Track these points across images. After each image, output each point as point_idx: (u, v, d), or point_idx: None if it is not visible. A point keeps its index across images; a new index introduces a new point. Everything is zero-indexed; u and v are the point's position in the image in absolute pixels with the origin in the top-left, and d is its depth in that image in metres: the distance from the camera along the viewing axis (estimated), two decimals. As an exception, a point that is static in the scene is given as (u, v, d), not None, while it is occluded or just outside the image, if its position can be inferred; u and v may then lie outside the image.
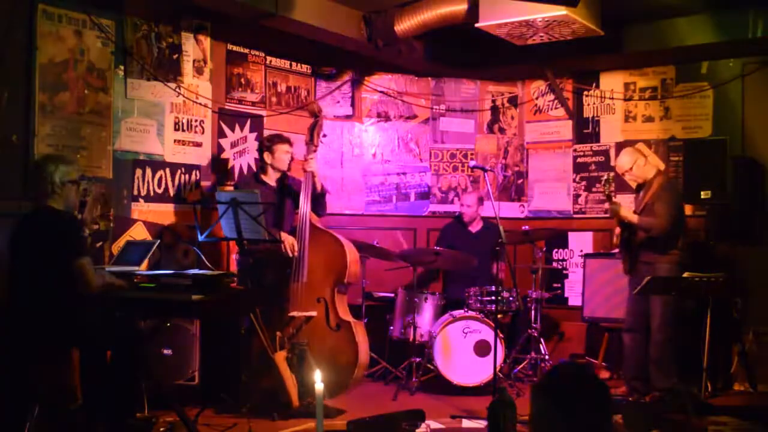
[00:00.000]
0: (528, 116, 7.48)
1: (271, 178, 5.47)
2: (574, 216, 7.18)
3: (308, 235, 5.21)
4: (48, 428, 3.93)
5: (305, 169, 5.34)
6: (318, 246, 5.25)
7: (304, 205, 5.25)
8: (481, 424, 4.64)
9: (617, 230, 5.58)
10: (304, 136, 5.56)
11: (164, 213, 5.61)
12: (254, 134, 6.23)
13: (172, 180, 5.67)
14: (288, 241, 5.19)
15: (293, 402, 4.83)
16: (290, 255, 5.17)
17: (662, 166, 6.59)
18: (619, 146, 6.88)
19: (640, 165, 5.52)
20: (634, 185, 5.74)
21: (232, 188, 5.78)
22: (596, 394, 2.08)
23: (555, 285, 7.06)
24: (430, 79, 7.30)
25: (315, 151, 5.39)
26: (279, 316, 5.12)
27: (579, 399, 2.06)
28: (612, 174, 6.46)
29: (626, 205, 5.65)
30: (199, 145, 5.86)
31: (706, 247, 6.17)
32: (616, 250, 5.83)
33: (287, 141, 5.50)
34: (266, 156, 5.45)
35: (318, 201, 5.42)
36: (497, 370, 5.42)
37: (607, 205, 5.67)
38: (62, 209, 4.08)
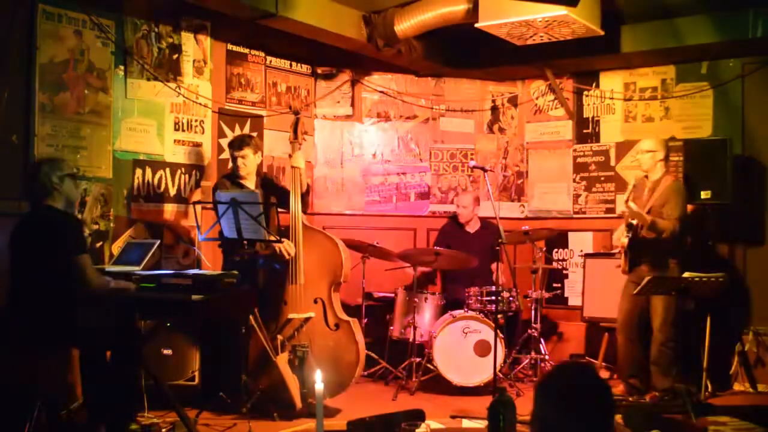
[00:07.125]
0: (528, 116, 7.47)
1: (248, 180, 5.29)
2: (574, 216, 7.17)
3: (302, 236, 5.13)
4: (48, 428, 3.92)
5: (292, 165, 5.22)
6: (312, 246, 5.17)
7: (294, 204, 5.14)
8: (481, 424, 4.64)
9: (618, 234, 5.55)
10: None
11: (164, 213, 5.62)
12: (254, 134, 6.22)
13: (172, 180, 5.67)
14: (284, 244, 5.03)
15: (296, 404, 4.84)
16: (287, 258, 5.07)
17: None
18: (620, 146, 6.90)
19: (657, 158, 5.53)
20: (638, 173, 5.68)
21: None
22: (598, 394, 2.08)
23: (555, 285, 7.05)
24: (430, 79, 7.29)
25: (299, 148, 5.27)
26: (276, 318, 5.10)
27: (581, 398, 2.06)
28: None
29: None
30: (199, 145, 5.86)
31: (706, 247, 6.17)
32: (616, 250, 5.80)
33: (254, 143, 5.36)
34: (238, 158, 5.23)
35: (303, 199, 5.35)
36: (497, 370, 5.43)
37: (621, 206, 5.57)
38: (62, 208, 4.08)
